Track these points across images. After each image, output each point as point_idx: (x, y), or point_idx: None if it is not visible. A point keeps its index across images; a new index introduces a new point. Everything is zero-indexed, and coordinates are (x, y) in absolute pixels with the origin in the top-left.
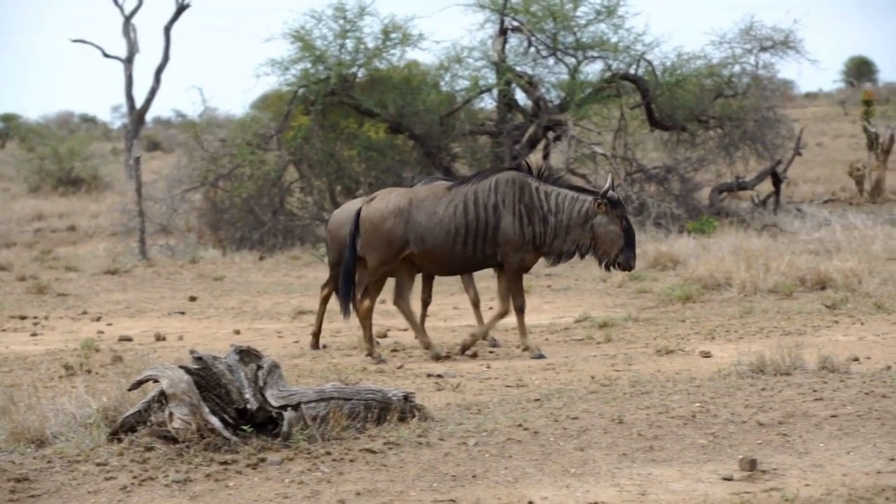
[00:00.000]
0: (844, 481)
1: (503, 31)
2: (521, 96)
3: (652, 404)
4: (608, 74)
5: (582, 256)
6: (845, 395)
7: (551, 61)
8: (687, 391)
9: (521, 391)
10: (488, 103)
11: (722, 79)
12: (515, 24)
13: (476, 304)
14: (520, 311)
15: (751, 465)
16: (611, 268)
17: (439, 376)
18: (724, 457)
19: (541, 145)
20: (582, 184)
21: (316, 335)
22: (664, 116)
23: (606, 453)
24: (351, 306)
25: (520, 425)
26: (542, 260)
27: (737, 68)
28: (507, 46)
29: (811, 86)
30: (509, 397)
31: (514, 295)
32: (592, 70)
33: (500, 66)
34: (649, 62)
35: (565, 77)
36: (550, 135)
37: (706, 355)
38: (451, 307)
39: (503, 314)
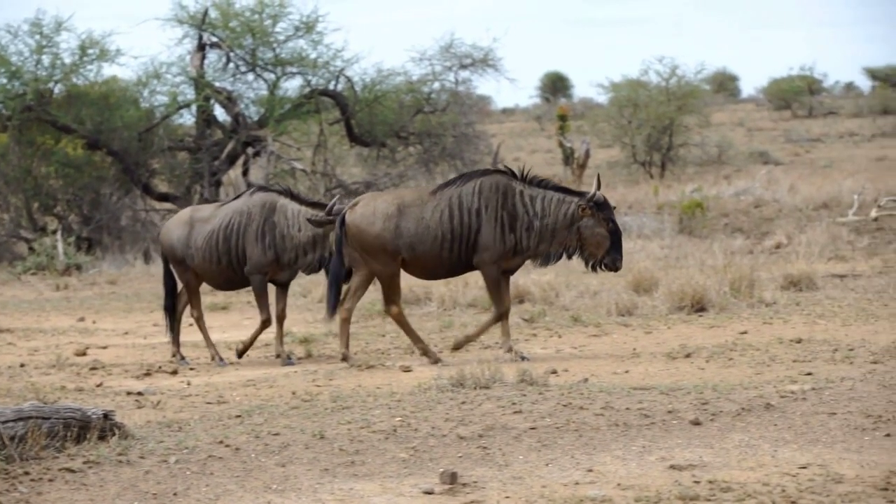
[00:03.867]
0: (543, 493)
1: (202, 47)
2: (220, 112)
3: (353, 419)
4: (307, 90)
5: (569, 258)
6: (544, 408)
7: (251, 77)
8: (388, 405)
9: (222, 408)
10: (187, 119)
11: (422, 95)
12: (214, 39)
13: (281, 319)
14: (504, 316)
15: (451, 478)
16: (597, 269)
17: (139, 394)
18: (426, 470)
19: (240, 161)
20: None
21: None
22: (364, 132)
23: (308, 469)
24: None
25: (221, 442)
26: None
27: (436, 85)
28: (206, 62)
29: (508, 101)
30: (210, 414)
31: (495, 301)
32: (292, 86)
33: (199, 82)
34: (349, 78)
35: (265, 93)
36: (250, 150)
37: (407, 370)
38: (152, 324)
39: (500, 316)
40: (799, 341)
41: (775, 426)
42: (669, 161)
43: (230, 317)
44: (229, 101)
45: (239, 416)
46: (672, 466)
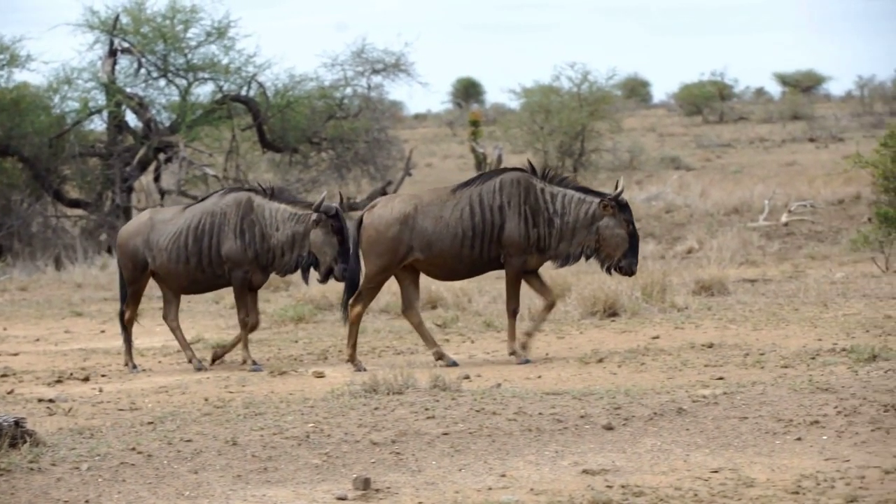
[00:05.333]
0: (457, 498)
1: (113, 53)
2: (132, 118)
3: (266, 425)
4: (219, 96)
5: (587, 259)
6: (457, 413)
7: (162, 83)
8: (301, 412)
9: (135, 414)
10: (98, 125)
11: (334, 101)
12: (125, 45)
13: (254, 327)
14: (513, 314)
15: (364, 484)
16: (612, 272)
17: (51, 401)
18: (339, 476)
19: (152, 167)
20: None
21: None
22: (276, 138)
23: (221, 475)
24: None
25: (133, 449)
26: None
27: (348, 90)
28: (118, 68)
29: (420, 107)
30: (122, 421)
31: (509, 298)
32: (204, 91)
33: (110, 88)
34: (260, 84)
35: (176, 98)
36: (162, 156)
37: (319, 375)
38: (63, 331)
39: (552, 305)
40: (710, 346)
41: (687, 430)
42: (581, 166)
43: (143, 323)
44: (141, 106)
45: (151, 422)
46: (585, 471)
